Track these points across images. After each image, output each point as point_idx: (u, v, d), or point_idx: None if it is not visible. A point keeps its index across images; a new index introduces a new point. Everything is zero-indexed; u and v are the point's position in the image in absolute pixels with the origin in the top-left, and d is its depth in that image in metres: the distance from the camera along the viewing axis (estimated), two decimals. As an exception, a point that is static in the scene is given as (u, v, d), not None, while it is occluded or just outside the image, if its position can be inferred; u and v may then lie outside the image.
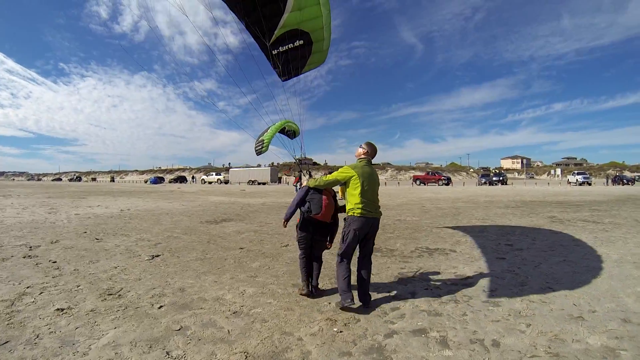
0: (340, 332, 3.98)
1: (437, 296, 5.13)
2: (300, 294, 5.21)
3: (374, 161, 5.25)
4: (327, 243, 5.38)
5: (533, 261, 7.05)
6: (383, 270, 6.56)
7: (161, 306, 4.76)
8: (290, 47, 7.54)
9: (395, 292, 5.35)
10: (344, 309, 4.63)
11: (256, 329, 4.06)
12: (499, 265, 6.83)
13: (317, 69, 8.72)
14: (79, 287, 5.48)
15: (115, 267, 6.64)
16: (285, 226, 5.49)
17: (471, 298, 5.03)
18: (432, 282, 5.81)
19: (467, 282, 5.81)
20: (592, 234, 9.96)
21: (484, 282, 5.75)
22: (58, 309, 4.58)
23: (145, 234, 10.23)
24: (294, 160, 7.65)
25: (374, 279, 5.64)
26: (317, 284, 5.35)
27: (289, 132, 7.86)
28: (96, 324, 4.19)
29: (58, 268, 6.55)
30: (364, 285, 4.87)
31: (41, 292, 5.22)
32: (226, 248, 8.47)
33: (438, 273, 6.36)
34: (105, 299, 4.98)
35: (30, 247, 8.21)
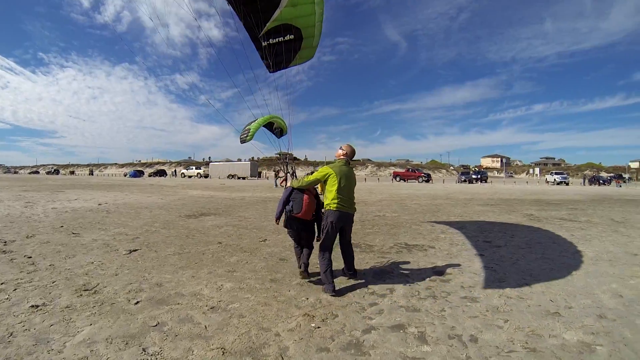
0: (318, 327, 3.96)
1: (415, 292, 5.14)
2: (302, 278, 5.66)
3: (353, 159, 5.60)
4: (317, 237, 5.73)
5: (511, 258, 7.12)
6: (362, 266, 6.53)
7: (138, 302, 4.68)
8: (280, 40, 7.61)
9: (373, 288, 5.33)
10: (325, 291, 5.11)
11: (233, 325, 4.02)
12: (477, 261, 6.87)
13: (303, 64, 8.79)
14: (55, 283, 5.37)
15: (92, 262, 6.51)
16: (277, 224, 5.90)
17: (449, 294, 5.05)
18: (411, 278, 5.81)
19: (445, 278, 5.83)
20: (569, 232, 10.10)
21: (462, 279, 5.78)
22: (33, 306, 4.48)
23: (124, 228, 10.09)
24: (278, 156, 7.62)
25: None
26: (308, 263, 5.66)
27: (276, 130, 7.90)
28: (71, 320, 4.09)
29: (33, 263, 6.41)
30: (350, 263, 5.73)
31: (15, 289, 5.08)
32: (204, 242, 8.39)
33: (417, 269, 6.36)
34: (81, 295, 4.88)
35: (5, 242, 8.01)
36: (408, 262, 6.82)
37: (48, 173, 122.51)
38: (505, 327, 3.97)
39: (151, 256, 7.05)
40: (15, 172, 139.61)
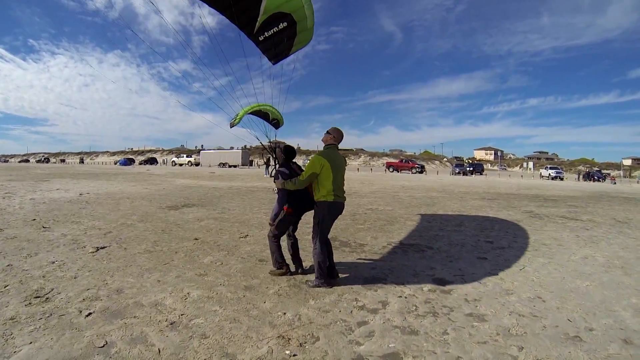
0: (294, 355, 3.26)
1: (412, 307, 4.42)
2: (283, 274, 5.42)
3: (341, 145, 5.38)
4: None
5: (517, 262, 6.47)
6: (351, 270, 5.87)
7: (90, 313, 4.07)
8: (275, 30, 7.37)
9: (363, 300, 4.63)
10: (317, 287, 4.95)
11: (192, 348, 3.36)
12: (480, 266, 6.21)
13: (304, 48, 8.59)
14: (7, 287, 4.81)
15: (53, 262, 5.91)
16: (273, 225, 5.37)
17: (452, 310, 4.34)
18: (407, 288, 5.09)
19: (446, 288, 5.12)
20: (574, 232, 9.49)
21: (465, 289, 5.07)
22: None
23: (98, 221, 9.44)
24: (263, 144, 7.42)
25: (339, 280, 5.35)
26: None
27: (273, 122, 7.83)
28: (11, 336, 3.53)
29: None
30: (332, 261, 5.27)
31: None
32: (180, 238, 7.73)
33: (413, 276, 5.66)
34: (30, 303, 4.32)
35: None
36: (403, 267, 6.11)
37: (38, 161, 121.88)
38: (521, 358, 3.29)
39: (119, 255, 6.42)
40: (6, 161, 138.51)
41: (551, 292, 5.02)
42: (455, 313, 4.26)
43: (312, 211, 5.27)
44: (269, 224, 5.41)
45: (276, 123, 7.89)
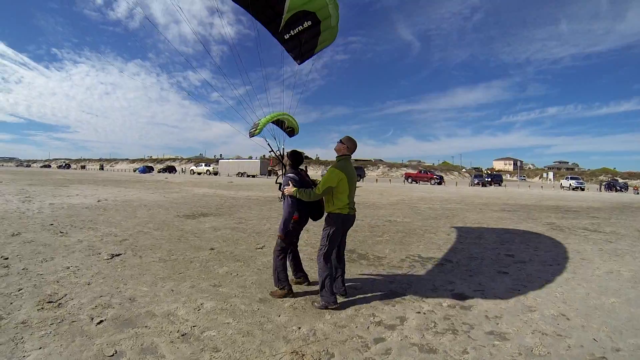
0: (308, 373, 3.14)
1: (431, 324, 4.27)
2: (285, 295, 4.98)
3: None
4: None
5: (539, 277, 6.26)
6: (368, 284, 5.73)
7: (101, 321, 4.02)
8: (300, 29, 7.38)
9: (380, 315, 4.48)
10: (325, 308, 4.62)
11: (203, 362, 3.24)
12: (501, 281, 6.02)
13: (320, 54, 8.54)
14: (20, 291, 4.83)
15: (68, 268, 5.92)
16: (283, 238, 4.99)
17: (472, 327, 4.17)
18: (426, 303, 4.93)
19: (466, 304, 4.95)
20: (597, 245, 9.22)
21: (486, 305, 4.89)
22: None
23: (115, 228, 9.46)
24: (274, 153, 7.34)
25: (355, 293, 5.23)
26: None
27: (288, 129, 7.69)
28: (22, 341, 3.52)
29: (7, 266, 5.91)
30: (342, 278, 5.07)
31: None
32: (196, 248, 7.67)
33: (432, 290, 5.49)
34: (42, 308, 4.31)
35: None
36: (422, 281, 5.96)
37: (59, 167, 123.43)
38: (545, 381, 3.13)
39: (133, 262, 6.39)
40: (28, 166, 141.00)
41: (576, 309, 4.82)
42: (475, 331, 4.10)
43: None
44: (279, 236, 5.00)
45: (291, 131, 7.78)
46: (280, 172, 6.40)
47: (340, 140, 5.00)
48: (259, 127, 6.82)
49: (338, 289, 5.00)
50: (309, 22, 7.25)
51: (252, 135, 6.89)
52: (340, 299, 4.85)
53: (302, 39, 7.58)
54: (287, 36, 7.37)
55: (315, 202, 4.99)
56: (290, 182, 4.91)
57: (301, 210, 5.03)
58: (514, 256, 7.79)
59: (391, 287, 5.58)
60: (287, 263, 5.20)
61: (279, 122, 7.46)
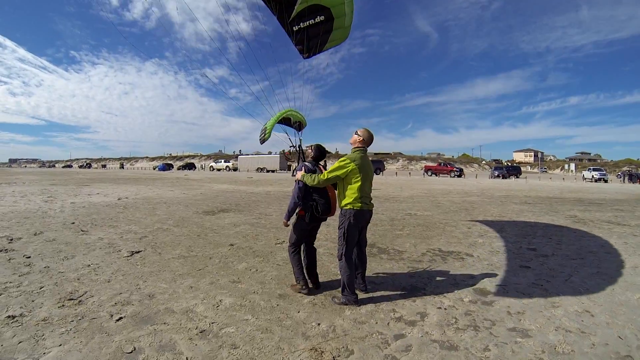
0: (327, 370, 3.10)
1: (452, 319, 4.20)
2: (300, 292, 4.94)
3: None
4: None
5: (562, 272, 6.12)
6: (389, 278, 5.67)
7: (120, 318, 4.05)
8: (311, 22, 7.41)
9: (401, 311, 4.43)
10: (344, 304, 4.56)
11: (221, 359, 3.25)
12: (523, 275, 5.90)
13: (337, 48, 8.69)
14: (42, 289, 4.90)
15: (89, 265, 5.99)
16: (286, 226, 5.19)
17: (494, 323, 4.09)
18: (447, 298, 4.87)
19: (488, 299, 4.85)
20: (621, 238, 9.00)
21: (508, 301, 4.79)
22: (9, 316, 4.03)
23: (135, 226, 9.56)
24: (292, 148, 7.32)
25: (375, 288, 5.20)
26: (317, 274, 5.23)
27: (295, 124, 7.70)
28: (43, 337, 3.56)
29: (29, 265, 5.99)
30: (363, 275, 5.00)
31: (0, 294, 4.70)
32: (215, 244, 7.69)
33: (453, 285, 5.41)
34: (63, 305, 4.36)
35: (11, 240, 7.70)
36: (443, 275, 5.89)
37: (81, 167, 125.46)
38: (569, 379, 3.04)
39: (153, 259, 6.43)
40: (52, 166, 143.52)
41: (600, 305, 4.70)
42: (497, 327, 4.01)
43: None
44: (283, 223, 5.09)
45: (298, 125, 7.75)
46: (294, 165, 6.37)
47: (356, 131, 4.88)
48: (267, 132, 6.82)
49: (358, 284, 4.94)
50: (322, 17, 7.26)
51: (263, 141, 6.89)
52: (360, 295, 4.80)
53: (311, 34, 7.50)
54: (296, 27, 7.38)
55: (323, 195, 4.91)
56: (303, 168, 4.89)
57: (306, 202, 4.90)
58: (537, 250, 7.66)
59: (411, 282, 5.51)
60: (303, 258, 5.18)
61: (285, 120, 7.45)
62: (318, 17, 7.29)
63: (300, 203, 4.90)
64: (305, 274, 5.07)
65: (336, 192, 4.93)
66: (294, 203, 4.91)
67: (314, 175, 4.69)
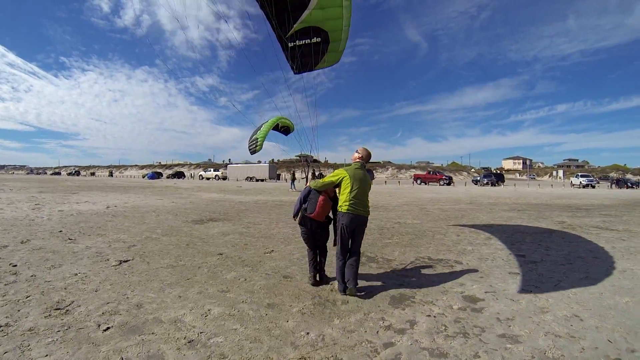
0: (316, 379, 3.08)
1: (442, 327, 4.19)
2: (311, 285, 5.70)
3: (371, 162, 5.22)
4: (334, 241, 5.60)
5: (551, 277, 6.15)
6: (378, 287, 5.66)
7: (108, 328, 4.01)
8: (306, 42, 7.62)
9: (390, 319, 4.42)
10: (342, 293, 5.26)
11: (209, 369, 3.20)
12: (512, 282, 5.92)
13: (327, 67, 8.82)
14: (28, 298, 4.85)
15: (76, 274, 5.94)
16: (295, 220, 5.97)
17: (484, 330, 4.09)
18: (436, 306, 4.86)
19: (477, 306, 4.86)
20: (609, 243, 9.10)
21: (497, 307, 4.80)
22: None
23: (123, 235, 9.47)
24: (299, 157, 7.52)
25: (364, 297, 5.23)
26: (324, 272, 5.95)
27: (282, 129, 8.00)
28: (29, 348, 3.53)
29: (15, 273, 5.96)
30: (353, 273, 5.27)
31: None
32: (204, 253, 7.62)
33: (443, 293, 5.40)
34: (49, 315, 4.32)
35: None
36: (432, 283, 5.88)
37: (69, 174, 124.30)
38: (559, 384, 3.04)
39: (141, 269, 6.37)
40: (44, 173, 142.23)
41: (589, 309, 4.73)
42: (487, 334, 4.02)
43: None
44: (293, 217, 5.99)
45: (286, 129, 8.10)
46: (304, 174, 6.67)
47: (357, 150, 5.71)
48: (258, 143, 6.89)
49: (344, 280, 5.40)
50: (319, 39, 7.47)
51: (253, 152, 6.99)
52: (351, 301, 5.06)
53: (305, 52, 7.70)
54: (291, 44, 7.50)
55: (314, 198, 5.61)
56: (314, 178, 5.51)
57: (303, 213, 5.72)
58: (525, 256, 7.68)
59: (401, 290, 5.51)
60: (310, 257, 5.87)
61: (274, 128, 7.77)
62: (315, 38, 7.47)
63: (300, 205, 5.74)
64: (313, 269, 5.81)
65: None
66: (298, 202, 5.78)
67: (317, 180, 5.65)
